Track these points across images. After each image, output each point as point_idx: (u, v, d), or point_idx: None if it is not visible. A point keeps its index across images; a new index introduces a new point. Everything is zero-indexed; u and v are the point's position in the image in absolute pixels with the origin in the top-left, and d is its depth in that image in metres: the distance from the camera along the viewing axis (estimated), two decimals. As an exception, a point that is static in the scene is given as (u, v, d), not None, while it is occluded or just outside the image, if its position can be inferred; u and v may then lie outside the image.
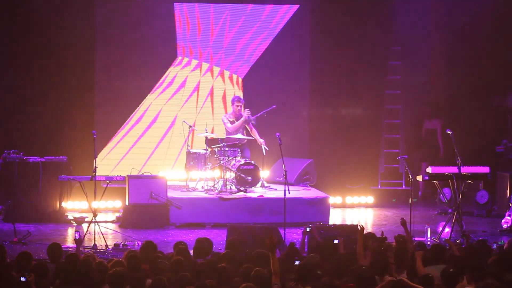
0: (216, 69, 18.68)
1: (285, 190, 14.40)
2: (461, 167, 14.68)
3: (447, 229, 14.63)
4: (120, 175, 15.28)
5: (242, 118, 16.40)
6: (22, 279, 8.38)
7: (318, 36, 18.53)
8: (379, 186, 19.14)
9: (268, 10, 18.68)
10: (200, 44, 18.58)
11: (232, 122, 16.52)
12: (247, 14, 18.64)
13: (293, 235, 14.23)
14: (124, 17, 17.98)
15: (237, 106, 16.56)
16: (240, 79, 18.75)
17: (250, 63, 18.70)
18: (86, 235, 13.91)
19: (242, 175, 16.01)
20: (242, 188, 16.11)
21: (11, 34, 17.26)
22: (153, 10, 18.15)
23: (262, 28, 18.65)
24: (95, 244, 13.42)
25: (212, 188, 16.36)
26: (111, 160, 18.20)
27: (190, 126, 17.06)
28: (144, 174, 16.56)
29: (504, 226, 15.33)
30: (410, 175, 14.80)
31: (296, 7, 18.66)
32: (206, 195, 16.10)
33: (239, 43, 18.64)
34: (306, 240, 12.16)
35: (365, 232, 10.70)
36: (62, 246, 10.80)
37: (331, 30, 18.34)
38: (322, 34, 18.46)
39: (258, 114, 16.56)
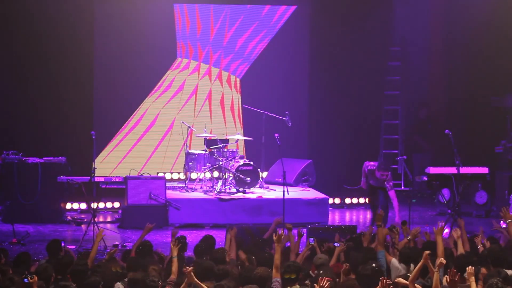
0: (215, 71, 18.68)
1: (284, 191, 14.40)
2: (460, 168, 14.67)
3: (446, 230, 14.61)
4: (119, 176, 15.27)
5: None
6: (25, 280, 8.38)
7: (317, 36, 18.54)
8: (378, 187, 19.12)
9: (266, 9, 18.70)
10: (200, 43, 18.59)
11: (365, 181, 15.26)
12: (246, 13, 18.66)
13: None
14: (123, 19, 17.98)
15: (382, 175, 14.98)
16: (238, 81, 18.76)
17: (249, 62, 18.72)
18: (85, 236, 13.91)
19: (241, 175, 16.02)
20: (241, 189, 16.11)
21: (10, 34, 17.25)
22: (153, 12, 18.16)
23: (261, 27, 18.68)
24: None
25: (211, 189, 16.36)
26: (111, 161, 18.20)
27: (189, 127, 17.07)
28: (143, 175, 16.56)
29: (504, 226, 15.31)
30: (409, 176, 14.80)
31: (294, 7, 18.69)
32: (205, 196, 16.10)
33: (238, 42, 18.66)
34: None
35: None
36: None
37: (330, 30, 18.34)
38: (321, 35, 18.47)
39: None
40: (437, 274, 8.39)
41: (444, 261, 8.52)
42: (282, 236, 9.21)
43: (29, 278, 8.25)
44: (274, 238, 9.16)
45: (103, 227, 14.92)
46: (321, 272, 9.10)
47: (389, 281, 8.50)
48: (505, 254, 9.83)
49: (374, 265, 9.05)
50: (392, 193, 15.05)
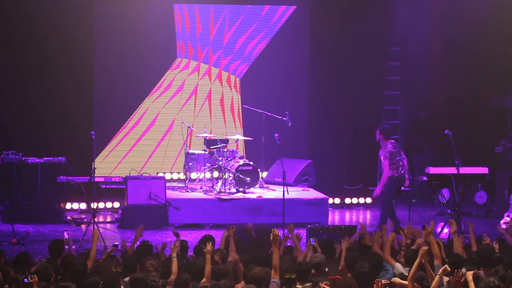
0: (215, 71, 18.69)
1: (283, 191, 14.40)
2: (460, 168, 14.67)
3: (445, 230, 14.63)
4: (119, 176, 15.27)
5: None
6: (25, 280, 8.37)
7: (317, 36, 18.55)
8: (378, 187, 19.13)
9: (266, 9, 18.70)
10: (200, 43, 18.60)
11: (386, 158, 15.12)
12: (245, 13, 18.66)
13: (292, 236, 14.22)
14: (123, 19, 17.99)
15: (376, 134, 15.24)
16: (238, 81, 18.76)
17: (249, 62, 18.72)
18: (84, 236, 13.90)
19: (240, 175, 16.02)
20: (241, 189, 16.11)
21: (10, 35, 17.26)
22: (153, 12, 18.16)
23: (261, 27, 18.68)
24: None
25: (211, 189, 16.36)
26: (110, 160, 18.20)
27: (189, 127, 17.07)
28: (143, 175, 16.56)
29: (503, 226, 15.32)
30: (408, 176, 14.79)
31: (294, 7, 18.70)
32: (205, 196, 16.10)
33: (238, 42, 18.67)
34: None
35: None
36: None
37: (330, 30, 18.34)
38: (321, 35, 18.48)
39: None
40: (439, 277, 8.35)
41: (449, 268, 8.43)
42: (278, 236, 9.19)
43: (29, 278, 8.25)
44: (271, 238, 9.15)
45: (103, 227, 14.96)
46: (326, 270, 9.12)
47: (385, 281, 8.50)
48: (492, 254, 9.83)
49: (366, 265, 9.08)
50: (385, 163, 14.96)
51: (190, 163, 16.74)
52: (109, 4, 18.00)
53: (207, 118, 18.56)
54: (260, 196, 16.08)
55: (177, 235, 11.31)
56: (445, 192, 16.78)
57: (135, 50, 18.09)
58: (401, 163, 15.05)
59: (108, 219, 16.43)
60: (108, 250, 10.61)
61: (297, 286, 8.83)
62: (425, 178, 15.43)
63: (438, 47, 19.72)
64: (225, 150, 16.41)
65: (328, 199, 16.42)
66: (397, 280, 8.70)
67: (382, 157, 14.94)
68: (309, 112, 18.68)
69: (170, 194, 16.13)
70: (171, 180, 17.97)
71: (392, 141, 15.13)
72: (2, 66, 17.26)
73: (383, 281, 8.53)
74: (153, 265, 9.42)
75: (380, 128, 15.15)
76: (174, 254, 9.47)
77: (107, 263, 9.57)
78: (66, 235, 11.98)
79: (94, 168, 14.28)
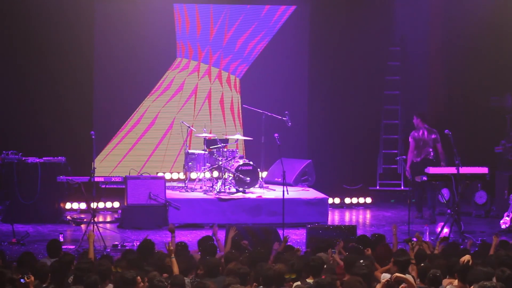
0: (214, 71, 18.69)
1: (283, 191, 14.40)
2: (460, 168, 14.68)
3: (445, 230, 14.63)
4: (119, 176, 15.28)
5: None
6: (21, 280, 8.37)
7: (317, 36, 18.55)
8: (378, 187, 19.15)
9: (266, 9, 18.71)
10: (200, 43, 18.60)
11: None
12: (245, 13, 18.67)
13: (292, 236, 14.23)
14: (123, 19, 17.99)
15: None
16: (238, 81, 18.76)
17: (249, 62, 18.73)
18: (84, 236, 13.90)
19: (240, 175, 16.02)
20: (240, 189, 16.11)
21: (9, 34, 17.26)
22: (153, 12, 18.16)
23: (261, 27, 18.69)
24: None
25: (211, 188, 16.36)
26: (110, 161, 18.20)
27: (189, 127, 17.07)
28: (143, 174, 16.57)
29: (503, 226, 15.34)
30: (408, 176, 14.81)
31: (293, 7, 18.70)
32: (205, 196, 16.10)
33: (238, 42, 18.68)
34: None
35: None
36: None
37: (330, 30, 18.35)
38: (320, 35, 18.47)
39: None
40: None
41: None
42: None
43: (25, 278, 8.25)
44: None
45: (103, 227, 14.96)
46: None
47: (387, 279, 8.52)
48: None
49: (362, 261, 9.09)
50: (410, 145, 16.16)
51: (190, 163, 16.75)
52: (109, 4, 18.01)
53: (207, 118, 18.57)
54: (260, 196, 16.08)
55: (172, 231, 11.23)
56: (445, 192, 16.78)
57: (135, 50, 18.09)
58: (427, 149, 16.07)
59: (108, 219, 16.43)
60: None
61: (307, 280, 8.91)
62: (425, 178, 15.43)
63: (438, 47, 19.70)
64: (225, 150, 16.41)
65: (328, 199, 16.42)
66: (401, 276, 8.66)
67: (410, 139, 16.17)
68: (309, 112, 18.68)
69: (170, 194, 16.13)
70: (171, 180, 17.97)
71: (425, 126, 16.16)
72: (2, 66, 17.26)
73: (383, 280, 8.55)
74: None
75: (415, 112, 16.39)
76: (172, 255, 9.46)
77: (103, 261, 9.55)
78: (61, 239, 11.96)
79: (94, 168, 14.28)
